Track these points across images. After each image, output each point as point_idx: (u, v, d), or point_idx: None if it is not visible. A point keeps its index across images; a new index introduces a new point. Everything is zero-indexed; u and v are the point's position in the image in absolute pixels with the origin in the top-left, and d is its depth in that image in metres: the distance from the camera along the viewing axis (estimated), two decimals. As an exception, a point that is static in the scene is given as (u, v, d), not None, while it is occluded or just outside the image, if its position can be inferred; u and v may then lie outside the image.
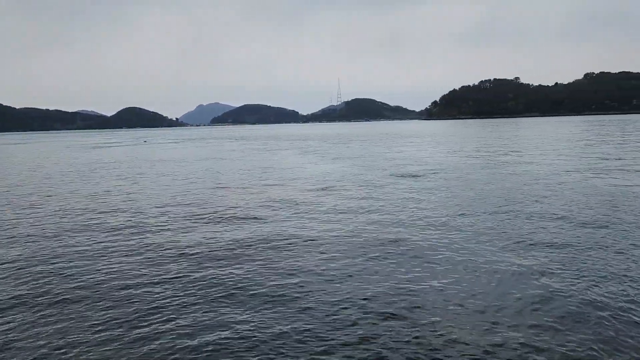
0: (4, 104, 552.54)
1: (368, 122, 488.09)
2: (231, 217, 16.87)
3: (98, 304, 9.05)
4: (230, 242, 13.27)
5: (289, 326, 7.83)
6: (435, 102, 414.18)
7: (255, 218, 16.46)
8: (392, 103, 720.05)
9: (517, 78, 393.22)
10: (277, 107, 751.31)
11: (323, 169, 32.80)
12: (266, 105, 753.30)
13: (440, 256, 11.43)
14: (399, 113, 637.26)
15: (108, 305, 8.97)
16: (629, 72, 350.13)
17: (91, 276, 10.69)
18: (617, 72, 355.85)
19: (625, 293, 8.78)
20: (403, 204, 18.43)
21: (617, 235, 12.79)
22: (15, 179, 32.71)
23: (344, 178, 27.15)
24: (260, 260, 11.57)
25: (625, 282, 9.31)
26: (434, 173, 28.20)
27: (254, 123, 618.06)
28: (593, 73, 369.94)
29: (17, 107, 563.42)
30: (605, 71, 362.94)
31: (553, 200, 18.21)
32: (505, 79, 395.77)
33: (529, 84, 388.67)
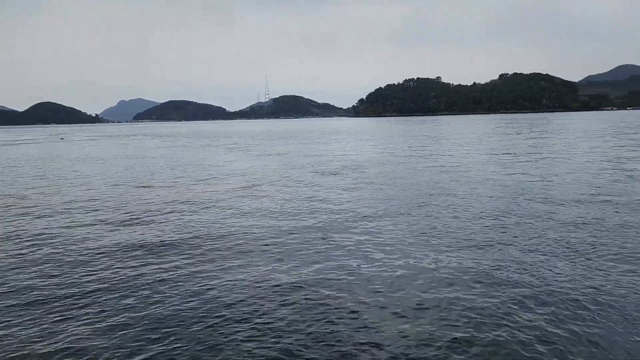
0: None
1: (296, 119, 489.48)
2: (150, 218, 16.57)
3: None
4: (148, 243, 13.09)
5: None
6: (362, 100, 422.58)
7: (176, 218, 16.28)
8: (320, 101, 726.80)
9: (438, 77, 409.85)
10: (204, 104, 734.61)
11: (248, 167, 32.76)
12: (192, 102, 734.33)
13: (364, 251, 11.92)
14: (327, 110, 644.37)
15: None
16: (539, 74, 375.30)
17: (-6, 279, 10.22)
18: (528, 73, 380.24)
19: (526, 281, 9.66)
20: (326, 200, 18.91)
21: (518, 223, 13.94)
22: None
23: (268, 175, 27.32)
24: (178, 260, 11.54)
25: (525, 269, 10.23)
26: (356, 169, 29.04)
27: (179, 120, 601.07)
28: (507, 74, 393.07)
29: None
30: (519, 72, 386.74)
31: (467, 194, 19.42)
32: (427, 79, 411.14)
33: (449, 83, 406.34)
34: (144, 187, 23.73)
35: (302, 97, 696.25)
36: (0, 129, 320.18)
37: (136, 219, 16.09)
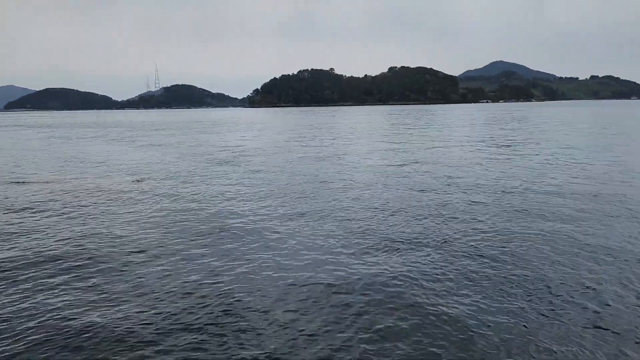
0: None
1: (189, 109, 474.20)
2: (25, 216, 15.30)
3: None
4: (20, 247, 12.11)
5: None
6: (257, 90, 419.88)
7: (59, 215, 15.17)
8: (214, 90, 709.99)
9: (332, 69, 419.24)
10: (87, 92, 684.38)
11: (136, 159, 31.24)
12: (73, 90, 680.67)
13: (262, 243, 11.96)
14: (222, 100, 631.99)
15: None
16: (424, 68, 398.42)
17: None
18: (415, 67, 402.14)
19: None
20: (218, 191, 18.67)
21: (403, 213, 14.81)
22: None
23: (158, 167, 26.30)
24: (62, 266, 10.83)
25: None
26: (248, 160, 28.93)
27: (59, 109, 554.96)
28: (396, 67, 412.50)
29: None
30: (406, 66, 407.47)
31: (358, 185, 20.19)
32: (321, 70, 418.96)
33: (342, 74, 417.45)
34: (15, 183, 21.74)
35: (195, 87, 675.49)
36: None
37: (14, 218, 14.75)
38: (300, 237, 11.83)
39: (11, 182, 21.71)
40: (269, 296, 8.39)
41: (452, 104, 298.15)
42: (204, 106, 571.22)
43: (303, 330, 7.20)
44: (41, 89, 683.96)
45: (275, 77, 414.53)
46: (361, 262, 10.01)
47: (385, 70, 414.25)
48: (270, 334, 7.10)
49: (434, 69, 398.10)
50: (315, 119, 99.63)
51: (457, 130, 52.87)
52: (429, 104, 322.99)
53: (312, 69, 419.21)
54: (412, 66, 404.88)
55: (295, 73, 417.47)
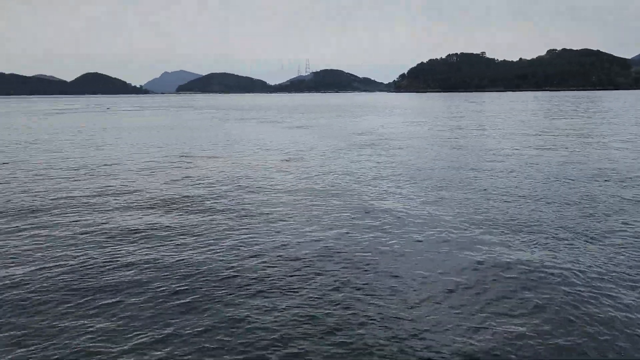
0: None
1: (337, 93, 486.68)
2: (192, 188, 17.66)
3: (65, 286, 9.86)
4: (194, 215, 14.13)
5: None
6: (403, 74, 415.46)
7: (218, 191, 17.25)
8: (361, 75, 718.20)
9: (483, 53, 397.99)
10: (245, 77, 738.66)
11: (287, 139, 33.59)
12: (233, 74, 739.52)
13: (412, 229, 12.58)
14: (368, 85, 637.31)
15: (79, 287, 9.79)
16: (589, 50, 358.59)
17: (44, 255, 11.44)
18: (578, 49, 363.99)
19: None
20: (360, 173, 19.57)
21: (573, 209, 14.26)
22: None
23: (305, 148, 28.05)
24: (222, 235, 12.48)
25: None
26: (390, 143, 29.41)
27: (220, 92, 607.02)
28: (555, 50, 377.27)
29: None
30: (568, 48, 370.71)
31: (509, 174, 19.68)
32: (472, 54, 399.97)
33: (494, 58, 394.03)
34: (185, 157, 24.90)
35: (343, 72, 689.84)
36: (51, 98, 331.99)
37: (177, 188, 17.20)
38: (442, 223, 12.03)
39: (182, 156, 25.00)
40: (414, 281, 8.88)
41: (620, 90, 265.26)
42: (350, 90, 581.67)
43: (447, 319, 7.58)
44: (206, 73, 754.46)
45: (422, 62, 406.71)
46: (507, 250, 10.00)
47: (543, 53, 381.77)
48: (418, 323, 7.60)
49: (602, 51, 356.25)
50: (462, 105, 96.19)
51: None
52: (593, 89, 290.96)
53: (461, 52, 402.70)
54: (575, 48, 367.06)
55: (443, 57, 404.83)
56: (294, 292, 7.99)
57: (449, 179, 17.59)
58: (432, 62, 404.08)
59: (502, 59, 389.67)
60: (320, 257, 9.61)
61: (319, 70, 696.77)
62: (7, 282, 8.51)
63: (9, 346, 6.39)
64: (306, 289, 8.11)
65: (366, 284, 8.28)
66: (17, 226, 12.02)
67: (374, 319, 7.02)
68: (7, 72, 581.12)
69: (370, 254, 9.75)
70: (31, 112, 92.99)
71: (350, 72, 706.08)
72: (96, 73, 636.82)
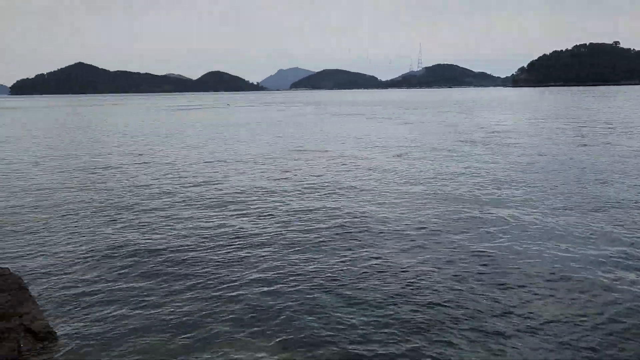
0: (100, 67, 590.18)
1: (450, 88, 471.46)
2: (306, 183, 18.20)
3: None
4: (311, 210, 14.59)
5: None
6: (522, 68, 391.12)
7: (330, 186, 17.62)
8: (475, 69, 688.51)
9: (616, 42, 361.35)
10: (356, 73, 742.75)
11: (398, 135, 33.32)
12: (344, 71, 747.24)
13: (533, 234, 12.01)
14: (483, 80, 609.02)
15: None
16: None
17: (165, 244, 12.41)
18: None
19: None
20: (473, 173, 18.86)
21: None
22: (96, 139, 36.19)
23: (415, 144, 27.57)
24: (340, 237, 12.73)
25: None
26: (503, 142, 27.90)
27: (331, 88, 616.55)
28: None
29: (111, 70, 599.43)
30: None
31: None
32: (603, 44, 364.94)
33: (630, 48, 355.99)
34: (296, 152, 25.69)
35: (457, 66, 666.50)
36: (177, 94, 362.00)
37: (293, 182, 17.81)
38: (567, 231, 11.19)
39: (292, 150, 25.83)
40: (543, 290, 8.40)
41: None
42: (464, 85, 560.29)
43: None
44: (318, 70, 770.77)
45: (544, 54, 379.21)
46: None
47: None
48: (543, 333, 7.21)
49: None
50: (589, 101, 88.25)
51: None
52: None
53: (590, 43, 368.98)
54: None
55: (569, 49, 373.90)
56: (413, 299, 7.90)
57: (573, 184, 16.26)
58: (555, 55, 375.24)
59: (639, 49, 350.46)
60: (427, 269, 9.39)
61: (431, 65, 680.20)
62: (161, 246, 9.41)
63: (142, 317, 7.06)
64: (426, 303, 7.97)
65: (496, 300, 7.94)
66: (154, 207, 13.27)
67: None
68: (142, 71, 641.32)
69: (489, 267, 9.33)
70: (162, 108, 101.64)
71: (464, 67, 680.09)
72: (217, 71, 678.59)
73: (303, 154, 24.39)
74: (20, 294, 6.96)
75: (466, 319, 6.84)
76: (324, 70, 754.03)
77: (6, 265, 7.99)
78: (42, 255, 9.89)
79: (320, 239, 10.51)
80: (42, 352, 6.06)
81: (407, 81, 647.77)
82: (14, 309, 6.51)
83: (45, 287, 8.24)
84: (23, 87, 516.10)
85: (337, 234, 10.87)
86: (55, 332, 6.45)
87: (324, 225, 11.53)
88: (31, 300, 7.04)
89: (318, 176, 17.96)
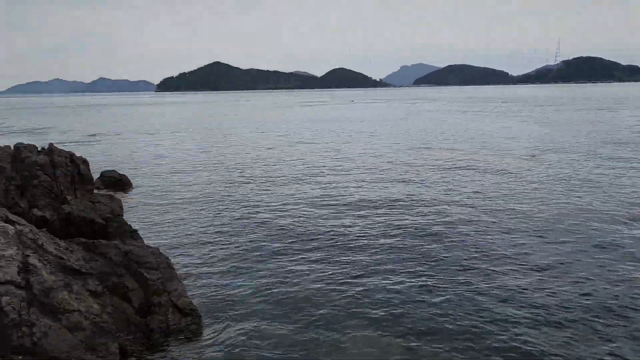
0: (234, 65, 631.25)
1: (593, 83, 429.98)
2: (436, 179, 17.91)
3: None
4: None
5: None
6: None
7: (460, 186, 17.15)
8: (624, 62, 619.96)
9: None
10: (484, 68, 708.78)
11: (531, 133, 31.30)
12: (471, 66, 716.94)
13: None
14: (634, 73, 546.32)
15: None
16: None
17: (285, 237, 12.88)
18: None
19: None
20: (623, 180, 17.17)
21: None
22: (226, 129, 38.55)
23: (548, 144, 25.66)
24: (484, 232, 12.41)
25: None
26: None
27: (457, 84, 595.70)
28: None
29: (243, 68, 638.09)
30: None
31: None
32: None
33: None
34: (424, 148, 25.28)
35: (601, 59, 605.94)
36: (303, 91, 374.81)
37: (430, 180, 17.60)
38: None
39: (420, 147, 25.43)
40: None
41: None
42: (610, 80, 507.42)
43: None
44: (444, 66, 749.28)
45: None
46: None
47: None
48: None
49: None
50: None
51: None
52: None
53: None
54: None
55: None
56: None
57: None
58: None
59: None
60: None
61: (570, 58, 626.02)
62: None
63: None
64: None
65: None
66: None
67: None
68: (271, 69, 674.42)
69: None
70: (291, 103, 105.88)
71: (611, 59, 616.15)
72: (341, 68, 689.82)
73: (431, 151, 23.89)
74: (168, 272, 7.69)
75: None
76: (449, 66, 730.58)
77: (155, 245, 8.90)
78: (185, 237, 10.85)
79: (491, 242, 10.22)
80: (186, 328, 6.65)
81: (542, 76, 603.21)
82: (164, 285, 7.21)
83: (188, 268, 9.03)
84: (167, 85, 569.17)
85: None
86: (198, 310, 7.03)
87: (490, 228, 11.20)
88: (177, 278, 7.75)
89: (455, 176, 17.49)
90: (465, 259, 9.13)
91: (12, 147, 10.14)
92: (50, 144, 10.42)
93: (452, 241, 10.17)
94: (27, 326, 4.76)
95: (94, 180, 14.24)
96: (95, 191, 13.25)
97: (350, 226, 11.45)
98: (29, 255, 5.71)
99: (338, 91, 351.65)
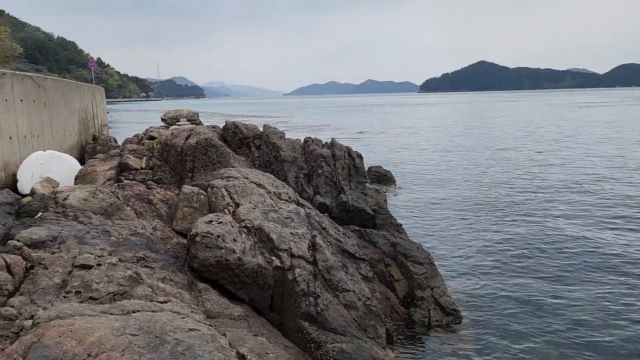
0: (500, 65, 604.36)
1: None
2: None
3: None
4: None
5: None
6: None
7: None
8: None
9: None
10: None
11: None
12: None
13: None
14: None
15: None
16: None
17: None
18: None
19: None
20: None
21: None
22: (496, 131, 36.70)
23: None
24: None
25: None
26: None
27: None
28: None
29: (510, 67, 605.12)
30: None
31: None
32: None
33: None
34: None
35: None
36: (581, 91, 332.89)
37: None
38: None
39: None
40: None
41: None
42: None
43: None
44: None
45: None
46: None
47: None
48: None
49: None
50: None
51: None
52: None
53: None
54: None
55: None
56: None
57: None
58: None
59: None
60: None
61: None
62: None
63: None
64: None
65: None
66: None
67: None
68: (542, 67, 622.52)
69: None
70: (564, 104, 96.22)
71: None
72: (632, 63, 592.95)
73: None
74: (432, 269, 7.79)
75: None
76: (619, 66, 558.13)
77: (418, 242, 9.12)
78: (447, 238, 10.86)
79: None
80: (447, 327, 6.63)
81: None
82: (427, 281, 7.34)
83: (447, 268, 9.00)
84: (429, 85, 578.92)
85: None
86: (460, 312, 6.94)
87: None
88: (439, 276, 7.79)
89: None
90: None
91: (302, 141, 11.62)
92: (332, 139, 11.61)
93: None
94: (313, 297, 5.39)
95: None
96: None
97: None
98: (315, 236, 6.47)
99: (628, 90, 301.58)
